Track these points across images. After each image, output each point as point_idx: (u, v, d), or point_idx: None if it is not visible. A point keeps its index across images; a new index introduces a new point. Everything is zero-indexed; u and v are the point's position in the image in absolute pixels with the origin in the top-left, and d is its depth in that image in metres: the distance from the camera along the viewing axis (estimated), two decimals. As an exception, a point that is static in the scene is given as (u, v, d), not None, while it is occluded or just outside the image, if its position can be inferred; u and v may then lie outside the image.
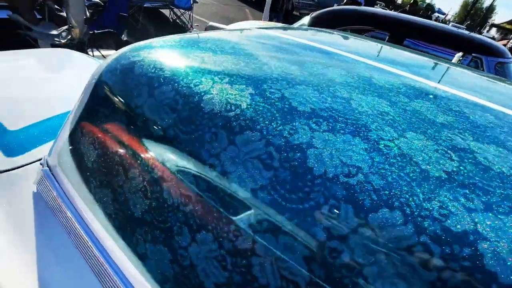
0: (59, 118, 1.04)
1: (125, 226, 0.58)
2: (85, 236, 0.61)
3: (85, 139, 0.66)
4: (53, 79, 1.31)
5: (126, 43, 4.27)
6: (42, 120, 1.01)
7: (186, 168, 0.51)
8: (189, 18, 6.58)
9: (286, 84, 0.59)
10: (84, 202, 0.64)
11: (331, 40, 1.09)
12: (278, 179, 0.44)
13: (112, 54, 0.73)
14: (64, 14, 3.44)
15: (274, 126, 0.48)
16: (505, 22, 25.03)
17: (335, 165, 0.42)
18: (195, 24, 6.78)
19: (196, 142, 0.51)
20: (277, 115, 0.50)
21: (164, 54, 0.68)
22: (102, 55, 3.86)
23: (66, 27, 2.94)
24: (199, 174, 0.49)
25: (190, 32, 6.28)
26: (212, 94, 0.55)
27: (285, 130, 0.48)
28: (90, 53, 3.55)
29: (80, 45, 3.11)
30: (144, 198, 0.55)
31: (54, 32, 2.93)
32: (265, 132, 0.48)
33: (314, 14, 3.31)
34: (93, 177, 0.64)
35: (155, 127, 0.57)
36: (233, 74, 0.60)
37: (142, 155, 0.57)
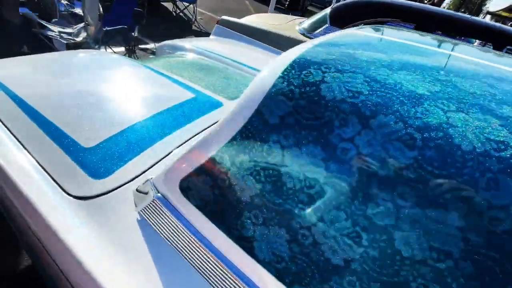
0: (133, 130, 0.96)
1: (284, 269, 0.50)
2: (225, 268, 0.55)
3: (242, 165, 0.57)
4: (109, 85, 1.22)
5: (136, 40, 4.12)
6: (117, 133, 0.93)
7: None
8: (194, 11, 6.41)
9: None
10: (228, 238, 0.56)
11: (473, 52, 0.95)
12: None
13: (293, 49, 0.61)
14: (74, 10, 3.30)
15: None
16: (501, 10, 24.99)
17: None
18: (199, 18, 6.61)
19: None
20: None
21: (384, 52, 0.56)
22: (114, 51, 3.72)
23: (82, 24, 2.81)
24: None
25: (196, 25, 6.11)
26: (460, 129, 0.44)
27: None
28: (102, 50, 3.42)
29: (95, 43, 2.99)
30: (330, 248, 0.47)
31: (70, 30, 2.80)
32: None
33: (335, 6, 3.22)
34: (248, 212, 0.55)
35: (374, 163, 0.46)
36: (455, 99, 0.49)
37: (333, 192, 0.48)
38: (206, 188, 0.61)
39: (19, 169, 0.80)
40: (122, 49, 4.02)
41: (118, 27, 3.25)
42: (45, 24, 2.75)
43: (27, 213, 0.74)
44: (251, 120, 0.56)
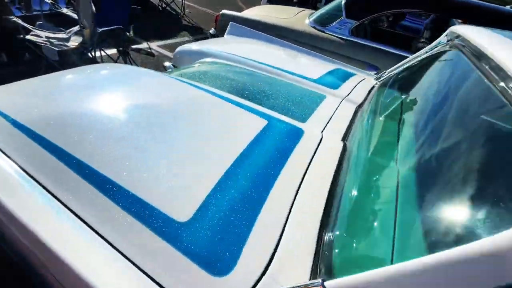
0: (227, 184, 0.72)
1: None
2: None
3: None
4: (162, 117, 0.93)
5: (130, 40, 3.73)
6: (210, 192, 0.68)
7: None
8: (182, 5, 5.97)
9: None
10: None
11: None
12: None
13: None
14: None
15: None
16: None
17: None
18: (187, 11, 6.19)
19: None
20: None
21: None
22: (108, 55, 3.32)
23: (76, 28, 2.44)
24: None
25: (185, 19, 5.69)
26: None
27: None
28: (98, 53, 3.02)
29: (90, 48, 2.62)
30: None
31: (62, 35, 2.42)
32: None
33: (350, -5, 2.99)
34: None
35: None
36: None
37: None
38: None
39: (103, 275, 0.54)
40: (114, 51, 3.62)
41: (113, 27, 2.86)
42: (31, 28, 2.35)
43: None
44: None
